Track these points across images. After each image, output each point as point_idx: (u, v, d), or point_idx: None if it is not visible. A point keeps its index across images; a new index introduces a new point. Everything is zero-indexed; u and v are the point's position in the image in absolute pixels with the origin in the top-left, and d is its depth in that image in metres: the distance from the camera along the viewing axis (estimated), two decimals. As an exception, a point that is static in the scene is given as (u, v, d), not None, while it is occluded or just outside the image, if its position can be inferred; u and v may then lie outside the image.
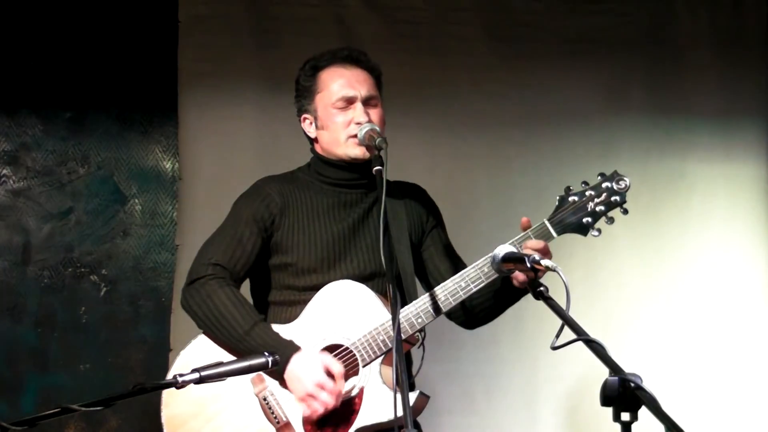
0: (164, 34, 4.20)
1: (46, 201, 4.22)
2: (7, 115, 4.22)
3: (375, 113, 2.78)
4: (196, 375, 2.14)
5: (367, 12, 4.26)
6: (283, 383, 2.64)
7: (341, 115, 2.77)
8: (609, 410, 1.83)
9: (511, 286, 2.63)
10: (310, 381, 2.57)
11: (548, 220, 2.65)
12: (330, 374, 2.60)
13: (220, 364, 2.21)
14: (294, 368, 2.60)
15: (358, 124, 2.74)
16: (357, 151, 2.75)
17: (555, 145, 4.26)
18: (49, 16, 4.22)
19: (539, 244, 2.58)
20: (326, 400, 2.58)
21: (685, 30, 4.39)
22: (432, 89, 4.25)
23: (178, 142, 4.19)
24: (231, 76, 4.14)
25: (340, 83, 2.78)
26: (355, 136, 2.74)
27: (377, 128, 2.69)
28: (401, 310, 2.61)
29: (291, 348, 2.62)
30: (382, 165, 2.52)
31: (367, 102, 2.78)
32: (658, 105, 4.35)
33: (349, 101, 2.77)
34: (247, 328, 2.64)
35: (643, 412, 1.80)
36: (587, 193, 2.66)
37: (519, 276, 2.56)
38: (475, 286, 2.64)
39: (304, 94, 2.86)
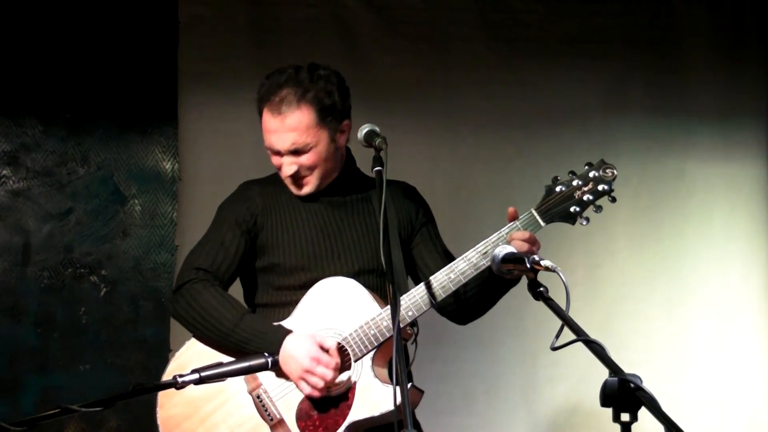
0: (164, 35, 4.20)
1: (45, 201, 4.22)
2: (6, 115, 4.21)
3: (307, 158, 2.72)
4: (196, 375, 2.14)
5: (367, 12, 4.26)
6: (278, 370, 2.64)
7: (274, 158, 2.76)
8: (609, 411, 1.82)
9: (499, 277, 2.63)
10: (305, 356, 2.59)
11: (535, 209, 2.66)
12: (323, 349, 2.62)
13: (219, 364, 2.21)
14: (287, 349, 2.60)
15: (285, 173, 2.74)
16: (294, 190, 2.77)
17: (555, 145, 4.26)
18: (49, 17, 4.21)
19: (524, 234, 2.59)
20: (324, 373, 2.59)
21: (685, 30, 4.39)
22: (432, 89, 4.25)
23: (177, 143, 4.19)
24: (231, 77, 4.14)
25: (267, 131, 2.74)
26: (289, 177, 2.74)
27: (376, 128, 2.68)
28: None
29: (282, 332, 2.64)
30: (381, 165, 2.52)
31: (294, 152, 2.72)
32: (657, 105, 4.35)
33: (276, 152, 2.75)
34: (235, 321, 2.65)
35: (643, 412, 1.80)
36: (574, 183, 2.66)
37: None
38: (464, 278, 2.65)
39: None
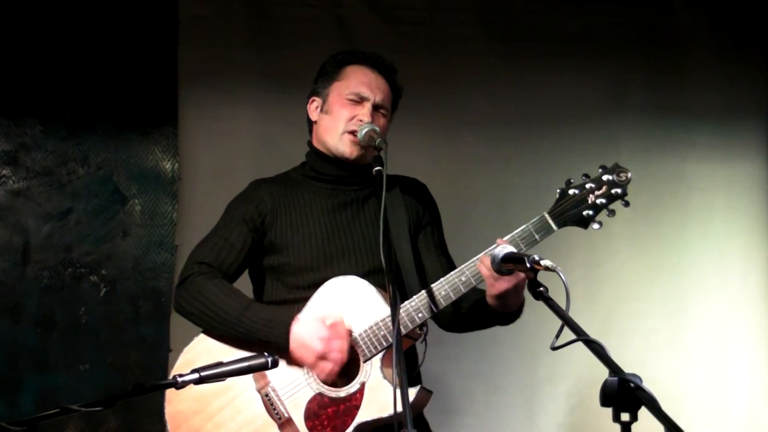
0: (164, 35, 4.20)
1: (45, 201, 4.22)
2: (6, 115, 4.22)
3: (380, 121, 2.82)
4: (196, 375, 2.14)
5: (367, 12, 4.26)
6: (289, 359, 2.66)
7: (349, 107, 2.81)
8: (609, 410, 1.82)
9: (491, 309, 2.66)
10: (317, 342, 2.60)
11: (548, 213, 2.65)
12: (332, 330, 2.63)
13: (219, 364, 2.21)
14: (297, 337, 2.62)
15: (359, 121, 2.77)
16: (347, 148, 2.79)
17: (554, 145, 4.26)
18: (50, 17, 4.22)
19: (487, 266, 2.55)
20: (336, 356, 2.62)
21: (685, 29, 4.39)
22: (432, 89, 4.25)
23: (177, 143, 4.19)
24: (231, 77, 4.14)
25: (360, 80, 2.84)
26: (352, 133, 2.77)
27: (377, 129, 2.71)
28: (402, 305, 2.63)
29: (288, 320, 2.65)
30: (382, 165, 2.53)
31: (376, 108, 2.82)
32: (657, 105, 4.35)
33: (361, 99, 2.81)
34: (241, 311, 2.68)
35: (643, 412, 1.80)
36: (588, 186, 2.65)
37: (493, 288, 2.56)
38: (475, 281, 2.65)
39: (324, 78, 2.91)
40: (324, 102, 2.87)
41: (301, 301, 2.74)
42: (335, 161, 2.84)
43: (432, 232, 2.93)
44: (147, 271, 4.26)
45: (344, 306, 2.70)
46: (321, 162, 2.87)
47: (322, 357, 2.62)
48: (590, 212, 2.64)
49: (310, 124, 2.94)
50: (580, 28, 4.35)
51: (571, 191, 2.65)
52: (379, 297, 2.70)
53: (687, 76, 4.36)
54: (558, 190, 2.66)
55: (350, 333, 2.66)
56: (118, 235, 4.26)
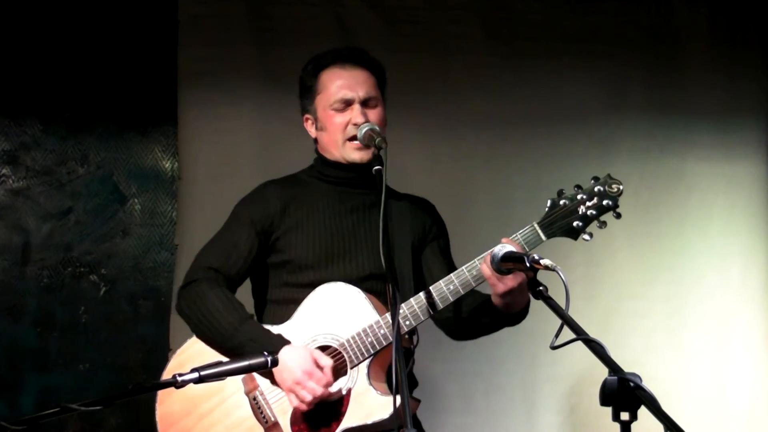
0: (164, 34, 4.20)
1: (45, 201, 4.22)
2: (6, 114, 4.21)
3: (373, 114, 2.78)
4: (196, 375, 2.14)
5: (367, 12, 4.26)
6: (272, 379, 2.65)
7: (339, 116, 2.78)
8: (608, 410, 1.83)
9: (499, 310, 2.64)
10: (299, 369, 2.58)
11: (538, 223, 2.64)
12: (319, 367, 2.61)
13: (219, 363, 2.21)
14: (283, 359, 2.59)
15: (355, 125, 2.75)
16: (355, 155, 2.77)
17: (554, 145, 4.26)
18: (50, 16, 4.21)
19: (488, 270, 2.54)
20: (314, 387, 2.58)
21: (685, 29, 4.39)
22: (432, 89, 4.25)
23: (177, 142, 4.19)
24: (230, 76, 4.14)
25: (338, 85, 2.79)
26: (353, 138, 2.75)
27: (376, 128, 2.70)
28: (390, 314, 2.62)
29: (280, 341, 2.64)
30: (381, 164, 2.53)
31: (365, 103, 2.78)
32: (657, 104, 4.35)
33: (347, 103, 2.78)
34: (236, 325, 2.66)
35: (643, 411, 1.80)
36: (579, 197, 2.63)
37: (498, 287, 2.54)
38: (464, 289, 2.64)
39: (306, 94, 2.88)
40: (316, 119, 2.86)
41: (297, 302, 2.73)
42: (343, 166, 2.82)
43: (438, 245, 2.90)
44: (147, 271, 4.26)
45: (333, 313, 2.69)
46: (328, 168, 2.86)
47: (297, 387, 2.58)
48: (580, 223, 2.62)
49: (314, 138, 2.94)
50: (580, 27, 4.35)
51: (561, 202, 2.63)
52: (367, 303, 2.69)
53: (687, 76, 4.37)
54: (549, 201, 2.65)
55: (330, 384, 2.62)
56: (117, 234, 4.26)
